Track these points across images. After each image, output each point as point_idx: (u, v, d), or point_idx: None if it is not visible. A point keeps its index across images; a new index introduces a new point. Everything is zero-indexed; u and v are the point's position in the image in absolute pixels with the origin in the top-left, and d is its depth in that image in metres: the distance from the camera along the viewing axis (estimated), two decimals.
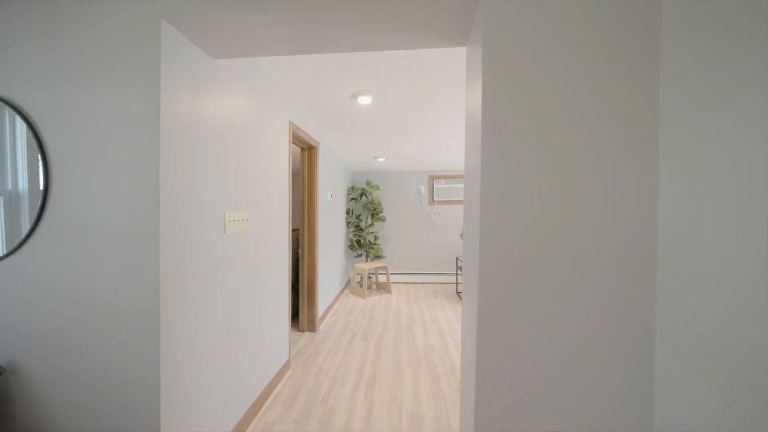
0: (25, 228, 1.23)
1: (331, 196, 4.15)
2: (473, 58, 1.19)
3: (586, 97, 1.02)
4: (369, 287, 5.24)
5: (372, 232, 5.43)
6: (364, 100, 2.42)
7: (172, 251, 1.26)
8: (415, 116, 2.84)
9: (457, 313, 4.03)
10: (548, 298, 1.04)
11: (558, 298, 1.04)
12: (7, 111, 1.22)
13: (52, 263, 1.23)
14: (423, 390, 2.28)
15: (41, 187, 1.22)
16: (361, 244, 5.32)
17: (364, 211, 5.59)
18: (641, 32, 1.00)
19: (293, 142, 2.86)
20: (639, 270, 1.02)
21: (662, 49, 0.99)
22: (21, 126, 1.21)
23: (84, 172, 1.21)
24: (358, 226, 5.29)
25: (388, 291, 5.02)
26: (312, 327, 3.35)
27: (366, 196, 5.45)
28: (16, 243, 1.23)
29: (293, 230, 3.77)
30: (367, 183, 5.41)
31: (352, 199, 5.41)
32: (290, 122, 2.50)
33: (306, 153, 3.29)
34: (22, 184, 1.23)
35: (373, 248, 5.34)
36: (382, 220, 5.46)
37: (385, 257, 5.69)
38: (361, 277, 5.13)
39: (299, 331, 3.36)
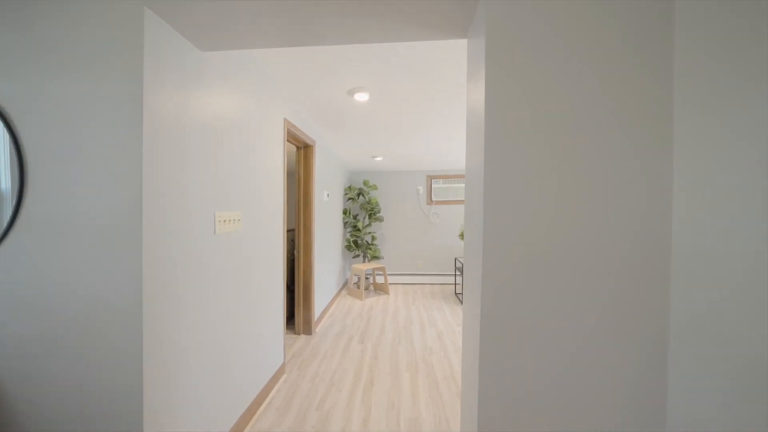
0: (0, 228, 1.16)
1: (328, 195, 4.08)
2: (475, 51, 1.13)
3: (596, 92, 0.96)
4: (366, 288, 5.18)
5: (369, 233, 5.37)
6: (361, 97, 2.35)
7: (157, 252, 1.19)
8: (413, 114, 2.78)
9: (456, 314, 3.98)
10: (555, 300, 0.98)
11: (566, 300, 0.98)
12: None
13: (28, 265, 1.16)
14: (421, 395, 2.21)
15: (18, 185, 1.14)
16: (358, 244, 5.25)
17: (362, 211, 5.52)
18: (655, 26, 0.95)
19: (288, 140, 2.80)
20: (653, 272, 0.96)
21: (676, 44, 0.94)
22: None
23: (62, 169, 1.14)
24: (355, 227, 5.23)
25: (386, 292, 4.95)
26: (308, 329, 3.28)
27: (363, 195, 5.38)
28: None
29: (289, 230, 3.69)
30: (365, 183, 5.35)
31: (349, 198, 5.34)
32: (285, 119, 2.43)
33: (302, 152, 3.22)
34: (5, 183, 1.15)
35: (370, 249, 5.28)
36: (380, 220, 5.40)
37: (383, 258, 5.63)
38: (359, 278, 5.07)
39: (295, 333, 3.28)
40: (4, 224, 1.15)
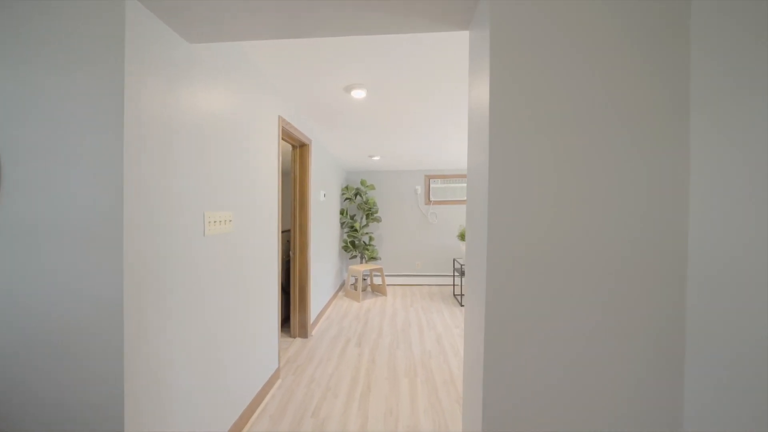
0: None
1: (324, 195, 4.01)
2: (478, 44, 1.07)
3: (610, 87, 0.90)
4: (364, 290, 5.11)
5: (367, 233, 5.30)
6: (358, 94, 2.28)
7: (140, 255, 1.12)
8: (411, 112, 2.72)
9: (455, 316, 3.92)
10: (562, 302, 0.92)
11: (575, 303, 0.92)
12: None
13: (1, 267, 1.08)
14: (420, 401, 2.15)
15: None
16: (355, 245, 5.18)
17: (359, 211, 5.46)
18: (671, 18, 0.89)
19: (283, 139, 2.72)
20: (669, 275, 0.90)
21: (693, 37, 0.88)
22: None
23: (36, 168, 1.06)
24: (352, 227, 5.15)
25: (384, 293, 4.89)
26: (304, 332, 3.20)
27: (360, 195, 5.31)
28: None
29: (285, 231, 3.62)
30: (362, 182, 5.28)
31: (346, 198, 5.27)
32: (280, 117, 2.35)
33: (297, 150, 3.14)
34: None
35: (367, 249, 5.21)
36: (377, 220, 5.33)
37: (380, 259, 5.56)
38: (356, 280, 5.00)
39: (290, 336, 3.21)
40: None
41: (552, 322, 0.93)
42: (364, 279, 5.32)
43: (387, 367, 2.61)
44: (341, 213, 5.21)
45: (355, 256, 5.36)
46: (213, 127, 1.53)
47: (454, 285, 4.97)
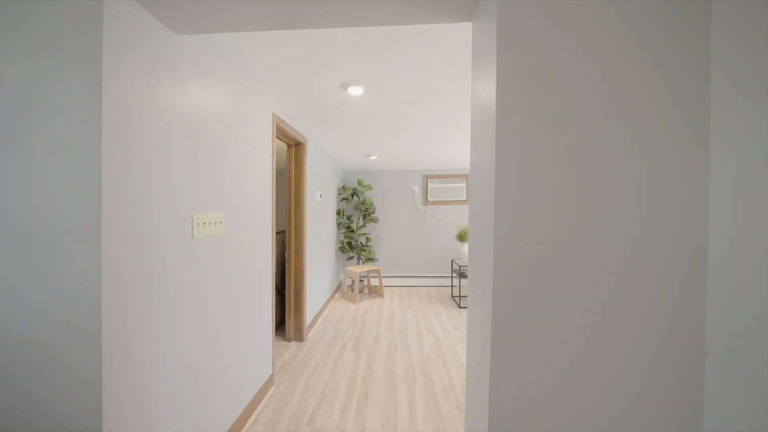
0: None
1: (321, 196, 3.94)
2: (483, 35, 1.00)
3: (629, 80, 0.83)
4: (361, 291, 5.03)
5: (364, 234, 5.23)
6: (355, 91, 2.21)
7: (120, 259, 1.04)
8: (409, 110, 2.65)
9: (453, 318, 3.86)
10: (576, 305, 0.85)
11: (589, 306, 0.85)
12: None
13: None
14: (419, 408, 2.08)
15: None
16: (352, 246, 5.10)
17: (356, 211, 5.38)
18: (692, 9, 0.82)
19: (278, 137, 2.64)
20: (688, 278, 0.84)
21: (713, 28, 0.81)
22: None
23: (3, 165, 0.98)
24: (349, 228, 5.08)
25: (381, 295, 4.82)
26: (299, 336, 3.12)
27: (357, 196, 5.24)
28: None
29: (280, 232, 3.54)
30: (359, 182, 5.21)
31: (343, 199, 5.20)
32: (274, 115, 2.28)
33: (293, 150, 3.06)
34: None
35: (364, 250, 5.14)
36: (375, 221, 5.26)
37: (378, 260, 5.49)
38: (353, 281, 4.91)
39: (285, 340, 3.13)
40: None
41: (563, 323, 0.86)
42: (361, 280, 5.24)
43: (384, 372, 2.54)
44: (338, 213, 5.13)
45: (352, 257, 5.29)
46: (203, 125, 1.46)
47: (452, 286, 4.91)
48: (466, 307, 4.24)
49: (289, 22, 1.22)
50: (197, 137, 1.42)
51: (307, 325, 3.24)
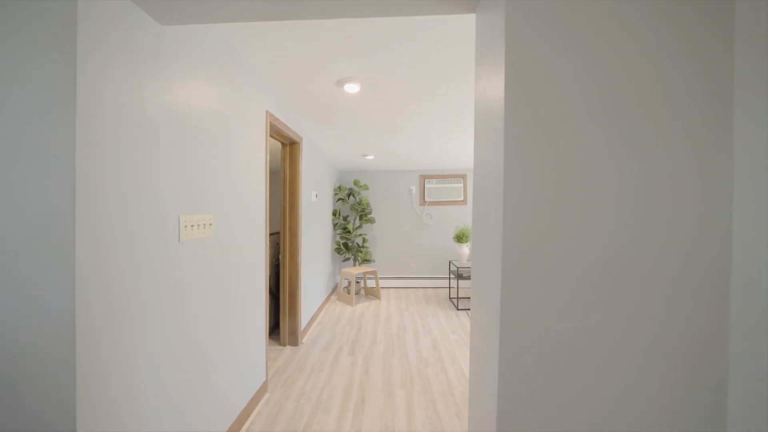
0: None
1: (316, 196, 3.86)
2: (488, 27, 0.94)
3: (648, 72, 0.78)
4: (357, 293, 4.96)
5: (360, 235, 5.16)
6: (352, 89, 2.15)
7: (98, 265, 0.96)
8: (407, 108, 2.59)
9: (451, 321, 3.80)
10: (590, 312, 0.80)
11: (602, 313, 0.80)
12: None
13: None
14: (418, 415, 2.02)
15: None
16: (348, 247, 5.03)
17: (352, 212, 5.31)
18: None
19: (272, 136, 2.57)
20: (710, 285, 0.78)
21: (737, 17, 0.76)
22: None
23: None
24: (345, 228, 5.01)
25: (378, 297, 4.75)
26: (294, 340, 3.05)
27: (354, 196, 5.17)
28: None
29: (274, 234, 3.46)
30: (355, 182, 5.14)
31: (339, 199, 5.12)
32: (267, 112, 2.20)
33: (287, 149, 2.99)
34: None
35: (361, 251, 5.07)
36: (371, 221, 5.19)
37: (374, 261, 5.42)
38: (349, 283, 4.84)
39: (280, 344, 3.05)
40: None
41: (578, 325, 0.80)
42: (358, 282, 5.17)
43: (382, 378, 2.47)
44: (334, 214, 5.05)
45: (348, 259, 5.21)
46: (192, 122, 1.38)
47: (449, 288, 4.85)
48: (464, 309, 4.19)
49: (282, 13, 1.16)
50: (186, 135, 1.35)
51: (302, 329, 3.16)
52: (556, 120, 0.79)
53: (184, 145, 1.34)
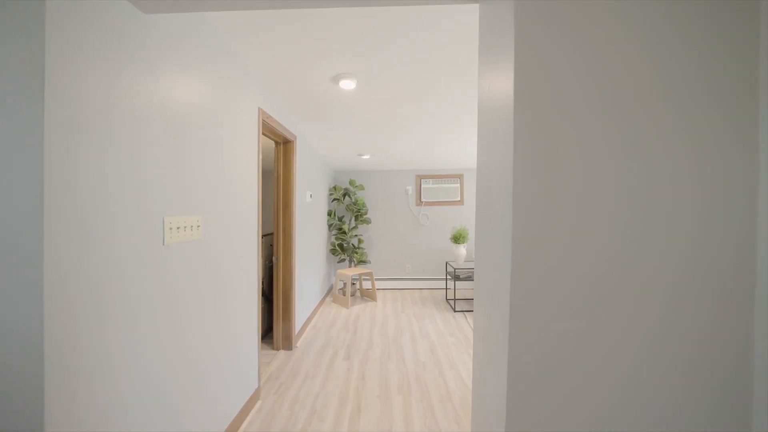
0: None
1: (311, 196, 3.78)
2: (495, 16, 0.88)
3: (668, 65, 0.72)
4: (353, 295, 4.89)
5: (356, 235, 5.08)
6: (347, 85, 2.07)
7: (71, 271, 0.88)
8: (404, 106, 2.52)
9: (448, 323, 3.74)
10: (604, 321, 0.74)
11: (622, 323, 0.74)
12: None
13: None
14: (416, 423, 1.95)
15: None
16: (344, 248, 4.96)
17: (348, 212, 5.23)
18: None
19: (264, 134, 2.49)
20: (732, 293, 0.73)
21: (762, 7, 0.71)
22: None
23: None
24: (340, 229, 4.93)
25: (373, 299, 4.68)
26: (288, 344, 2.97)
27: (349, 196, 5.09)
28: None
29: (267, 235, 3.37)
30: (351, 182, 5.06)
31: (334, 199, 5.04)
32: (260, 109, 2.12)
33: (281, 147, 2.91)
34: None
35: (356, 252, 4.99)
36: (367, 222, 5.12)
37: (370, 262, 5.35)
38: (344, 284, 4.77)
39: (273, 349, 2.97)
40: None
41: (587, 326, 0.74)
42: (353, 284, 5.10)
43: (378, 383, 2.40)
44: (329, 214, 4.98)
45: (343, 260, 5.14)
46: (178, 118, 1.30)
47: (446, 289, 4.80)
48: (461, 311, 4.14)
49: (275, 2, 1.08)
50: (171, 132, 1.26)
51: (296, 333, 3.08)
52: (571, 116, 0.73)
53: (169, 142, 1.26)
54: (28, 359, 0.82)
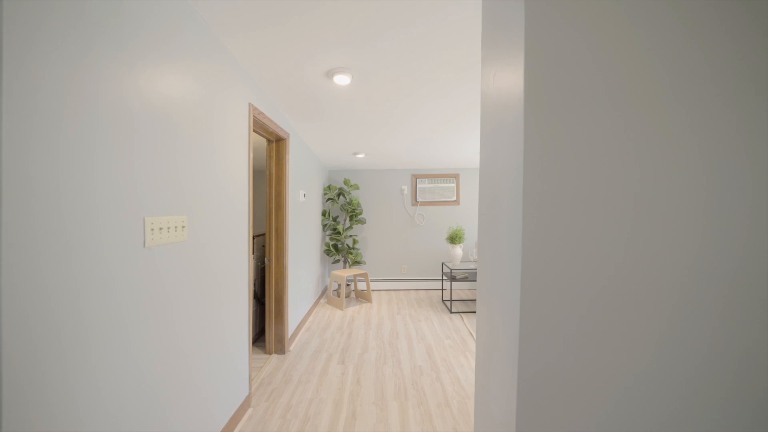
0: None
1: (305, 196, 3.69)
2: (499, 9, 0.81)
3: (692, 58, 0.66)
4: (347, 296, 4.81)
5: (350, 236, 5.00)
6: (342, 80, 2.00)
7: (34, 278, 0.80)
8: (399, 103, 2.45)
9: (445, 325, 3.68)
10: (616, 323, 0.68)
11: (629, 323, 0.68)
12: None
13: None
14: (413, 430, 1.88)
15: None
16: (338, 248, 4.87)
17: (342, 212, 5.15)
18: None
19: (256, 131, 2.40)
20: (753, 302, 0.67)
21: None
22: None
23: None
24: (335, 229, 4.85)
25: (368, 300, 4.61)
26: (280, 348, 2.88)
27: (344, 196, 5.01)
28: None
29: (259, 235, 3.28)
30: (345, 182, 4.98)
31: (328, 199, 4.96)
32: (251, 105, 2.04)
33: (273, 145, 2.82)
34: None
35: (351, 253, 4.91)
36: (362, 222, 5.05)
37: (365, 263, 5.27)
38: (339, 286, 4.69)
39: (265, 353, 2.88)
40: None
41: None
42: (348, 285, 5.02)
43: (374, 388, 2.33)
44: (323, 214, 4.89)
45: (338, 261, 5.06)
46: (161, 111, 1.21)
47: (442, 290, 4.74)
48: (457, 312, 4.08)
49: None
50: (153, 127, 1.18)
51: (289, 336, 3.00)
52: (589, 111, 0.66)
53: (151, 138, 1.17)
54: None
